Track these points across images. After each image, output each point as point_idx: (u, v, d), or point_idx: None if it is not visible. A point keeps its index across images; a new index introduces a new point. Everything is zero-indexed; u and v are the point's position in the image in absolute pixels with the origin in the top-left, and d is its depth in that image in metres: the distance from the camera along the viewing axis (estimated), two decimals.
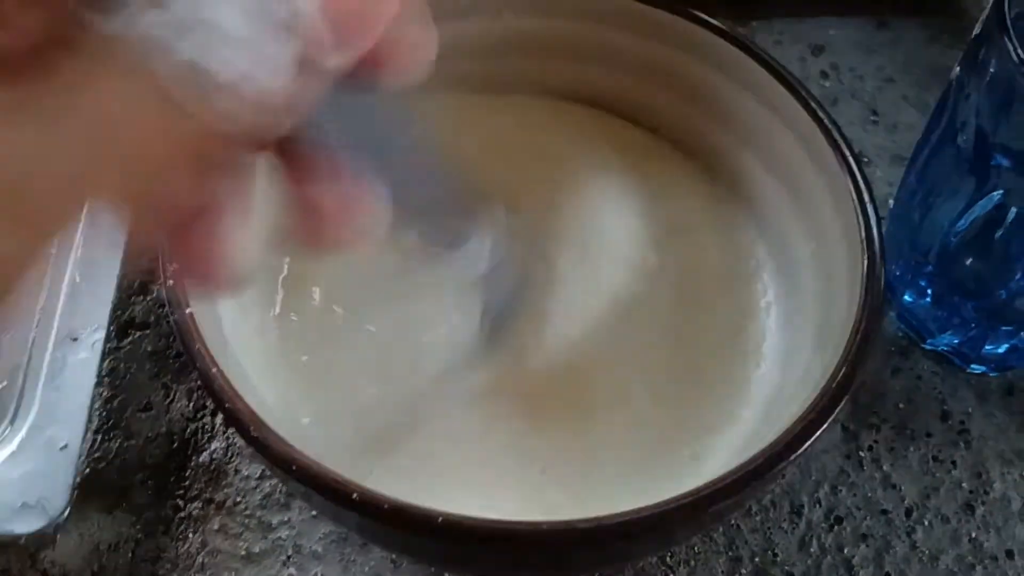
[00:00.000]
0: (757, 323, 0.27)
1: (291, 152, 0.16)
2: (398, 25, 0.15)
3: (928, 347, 0.34)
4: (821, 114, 0.26)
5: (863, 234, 0.23)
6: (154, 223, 0.15)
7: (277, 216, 0.17)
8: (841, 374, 0.22)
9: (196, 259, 0.16)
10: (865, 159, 0.38)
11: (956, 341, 0.33)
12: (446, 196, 0.21)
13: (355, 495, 0.20)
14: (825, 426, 0.21)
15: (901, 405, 0.33)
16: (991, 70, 0.25)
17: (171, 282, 0.23)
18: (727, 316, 0.27)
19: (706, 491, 0.20)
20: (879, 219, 0.24)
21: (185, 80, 0.12)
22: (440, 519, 0.20)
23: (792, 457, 0.21)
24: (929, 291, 0.33)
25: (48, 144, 0.12)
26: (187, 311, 0.22)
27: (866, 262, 0.23)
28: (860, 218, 0.24)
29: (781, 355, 0.26)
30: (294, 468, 0.20)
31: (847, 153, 0.26)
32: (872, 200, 0.24)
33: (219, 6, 0.12)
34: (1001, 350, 0.32)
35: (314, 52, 0.13)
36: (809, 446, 0.21)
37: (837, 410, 0.21)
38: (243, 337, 0.26)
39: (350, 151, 0.16)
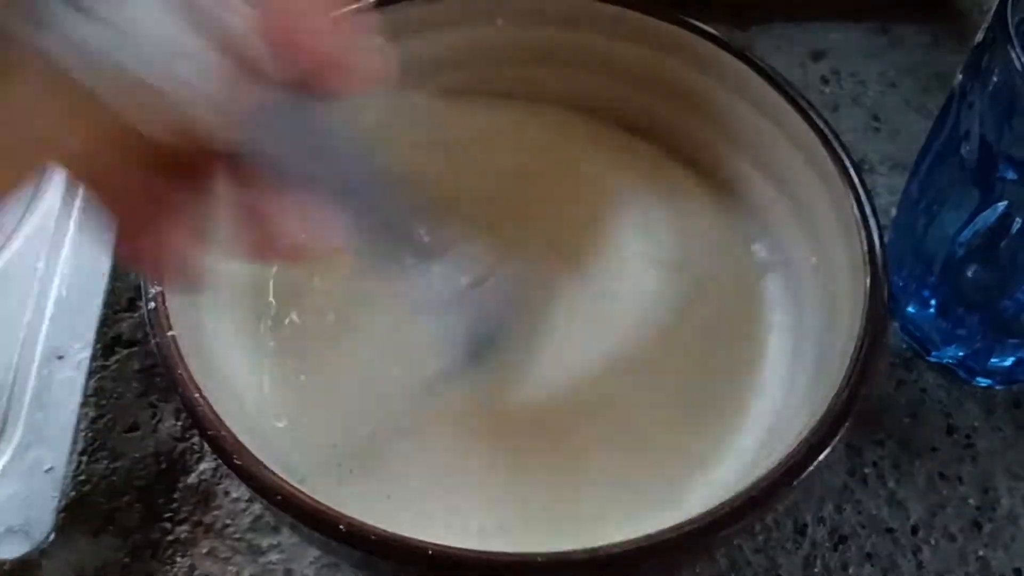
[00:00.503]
0: (761, 342, 0.27)
1: (237, 162, 0.16)
2: (340, 46, 0.15)
3: (933, 359, 0.33)
4: (822, 126, 0.26)
5: (866, 254, 0.23)
6: (107, 207, 0.16)
7: (229, 225, 0.17)
8: (844, 397, 0.21)
9: (152, 253, 0.17)
10: (867, 166, 0.37)
11: (961, 353, 0.32)
12: (402, 213, 0.20)
13: (341, 526, 0.19)
14: (827, 451, 0.20)
15: (906, 419, 0.32)
16: (994, 79, 0.25)
17: (152, 305, 0.22)
18: (730, 335, 0.27)
19: (709, 518, 0.19)
20: (882, 238, 0.23)
21: (106, 79, 0.13)
22: (430, 551, 0.19)
23: (795, 483, 0.20)
24: (933, 302, 0.32)
25: None
26: (169, 334, 0.22)
27: (869, 283, 0.23)
28: (863, 236, 0.23)
29: (784, 376, 0.26)
30: (279, 497, 0.20)
31: (849, 167, 0.25)
32: (876, 217, 0.24)
33: (145, 17, 0.13)
34: (1007, 363, 0.32)
35: (246, 65, 0.14)
36: (811, 471, 0.20)
37: (839, 435, 0.21)
38: (227, 346, 0.25)
39: (296, 163, 0.17)
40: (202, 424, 0.21)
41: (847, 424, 0.20)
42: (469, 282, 0.23)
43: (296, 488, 0.20)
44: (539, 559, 0.19)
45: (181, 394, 0.21)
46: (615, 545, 0.19)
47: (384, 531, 0.19)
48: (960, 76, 0.27)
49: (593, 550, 0.19)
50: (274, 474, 0.20)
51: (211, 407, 0.21)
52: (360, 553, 0.20)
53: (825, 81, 0.40)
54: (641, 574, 0.23)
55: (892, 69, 0.40)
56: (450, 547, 0.19)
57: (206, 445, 0.30)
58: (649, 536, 0.19)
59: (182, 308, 0.23)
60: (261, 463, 0.20)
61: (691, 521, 0.19)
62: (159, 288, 0.22)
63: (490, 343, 0.24)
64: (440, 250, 0.22)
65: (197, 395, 0.21)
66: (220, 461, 0.30)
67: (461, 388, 0.26)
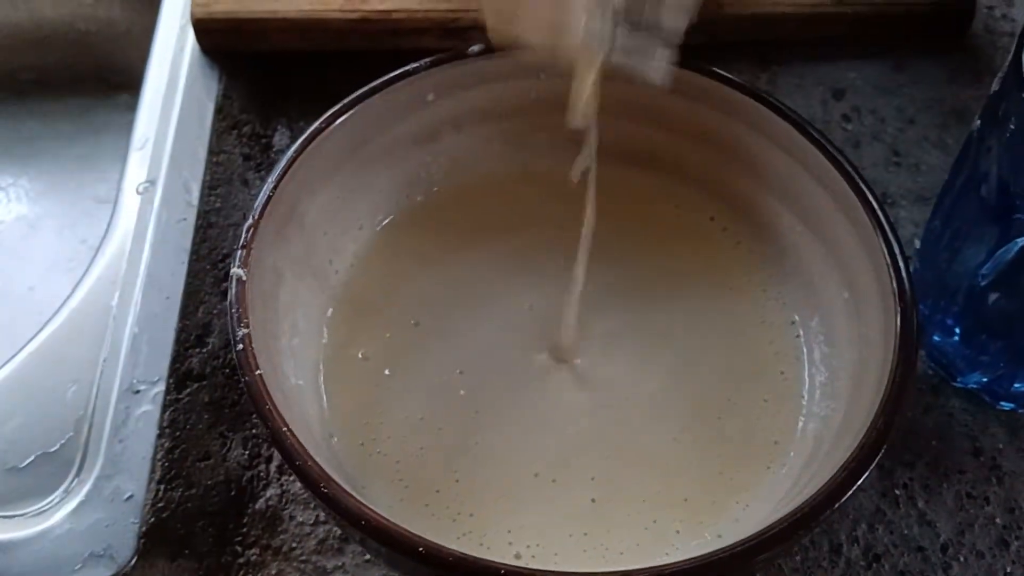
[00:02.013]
0: (796, 375, 0.28)
1: None
2: None
3: (958, 385, 0.34)
4: (848, 167, 0.28)
5: (895, 289, 0.25)
6: None
7: None
8: (880, 424, 0.23)
9: None
10: (889, 200, 0.39)
11: (985, 379, 0.34)
12: None
13: (421, 548, 0.21)
14: (867, 473, 0.22)
15: (934, 442, 0.34)
16: (1011, 126, 0.27)
17: (240, 347, 0.24)
18: (765, 370, 0.29)
19: (755, 540, 0.21)
20: (909, 271, 0.25)
21: None
22: (502, 571, 0.21)
23: (836, 506, 0.22)
24: (957, 330, 0.33)
25: None
26: (257, 373, 0.24)
27: (899, 315, 0.24)
28: (891, 271, 0.25)
29: (819, 407, 0.27)
30: (363, 523, 0.22)
31: (875, 203, 0.27)
32: (903, 252, 0.26)
33: None
34: None
35: None
36: (851, 495, 0.22)
37: (876, 459, 0.22)
38: (295, 378, 0.27)
39: None
40: (291, 455, 0.23)
41: (885, 447, 0.22)
42: None
43: (379, 514, 0.22)
44: None
45: (271, 428, 0.23)
46: (670, 564, 0.21)
47: (460, 552, 0.21)
48: (978, 121, 0.29)
49: (654, 568, 0.21)
50: (359, 501, 0.22)
51: (297, 439, 0.23)
52: (436, 574, 0.22)
53: (847, 119, 0.42)
54: None
55: (910, 105, 0.42)
56: (519, 567, 0.21)
57: (272, 471, 0.33)
58: (699, 556, 0.21)
59: (262, 350, 0.25)
60: (345, 490, 0.22)
61: (741, 542, 0.21)
62: (246, 331, 0.24)
63: None
64: None
65: (285, 429, 0.23)
66: (286, 486, 0.32)
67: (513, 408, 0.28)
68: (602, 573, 0.21)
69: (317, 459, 0.23)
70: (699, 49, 0.31)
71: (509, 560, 0.22)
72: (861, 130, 0.41)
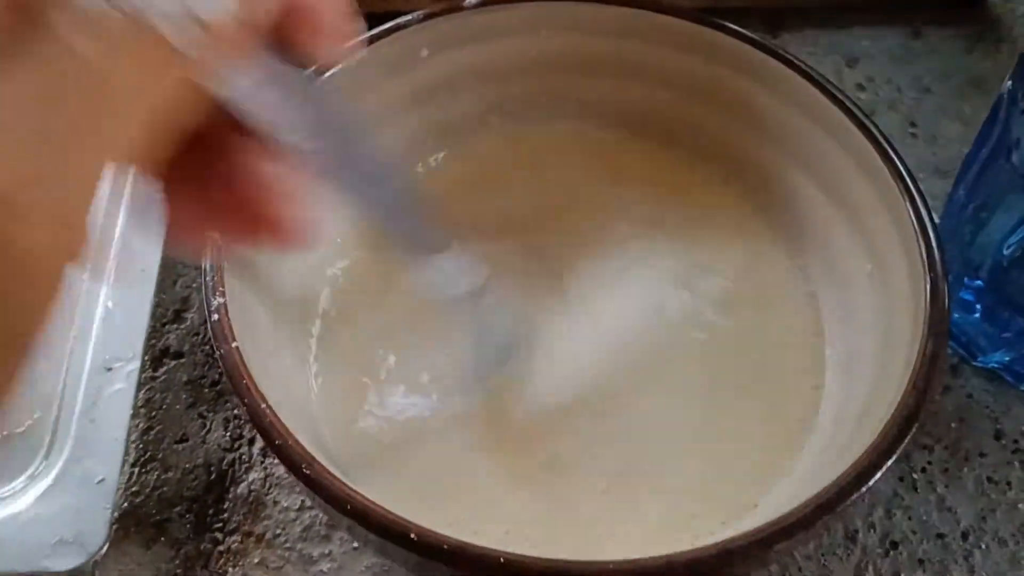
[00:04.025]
0: (815, 352, 0.26)
1: (241, 130, 0.17)
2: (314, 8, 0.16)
3: (979, 365, 0.33)
4: (872, 128, 0.26)
5: (925, 258, 0.23)
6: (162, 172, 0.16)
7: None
8: (911, 400, 0.21)
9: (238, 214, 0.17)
10: None
11: (1008, 358, 0.32)
12: (403, 201, 0.21)
13: (412, 535, 0.19)
14: (897, 453, 0.20)
15: (953, 425, 0.32)
16: None
17: (216, 317, 0.22)
18: (786, 349, 0.27)
19: (777, 525, 0.19)
20: (940, 239, 0.23)
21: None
22: (501, 559, 0.19)
23: (864, 488, 0.20)
24: (978, 307, 0.32)
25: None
26: (233, 345, 0.22)
27: (929, 286, 0.22)
28: (920, 240, 0.23)
29: (841, 387, 0.26)
30: (349, 508, 0.20)
31: (903, 170, 0.25)
32: (932, 220, 0.24)
33: None
34: None
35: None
36: (881, 475, 0.20)
37: (908, 436, 0.21)
38: (278, 357, 0.26)
39: (297, 133, 0.17)
40: (269, 434, 0.21)
41: (916, 425, 0.20)
42: (469, 285, 0.23)
43: (365, 498, 0.20)
44: (611, 566, 0.19)
45: (247, 404, 0.21)
46: (686, 552, 0.19)
47: (454, 539, 0.19)
48: (1009, 83, 0.27)
49: (667, 557, 0.19)
50: (343, 483, 0.20)
51: (277, 416, 0.21)
52: (427, 561, 0.20)
53: (861, 88, 0.40)
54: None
55: (926, 74, 0.40)
56: (520, 555, 0.19)
57: (255, 454, 0.31)
58: (720, 543, 0.19)
59: (241, 321, 0.23)
60: (331, 473, 0.20)
61: (771, 524, 0.19)
62: (222, 300, 0.22)
63: (504, 353, 0.25)
64: (436, 247, 0.22)
65: (264, 405, 0.21)
66: (270, 470, 0.30)
67: (502, 397, 0.26)
68: (611, 562, 0.19)
69: (300, 439, 0.21)
70: (711, 12, 0.29)
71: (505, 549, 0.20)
72: (876, 100, 0.40)
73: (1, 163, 0.13)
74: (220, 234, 0.18)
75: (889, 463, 0.20)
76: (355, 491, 0.20)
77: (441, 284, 0.23)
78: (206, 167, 0.17)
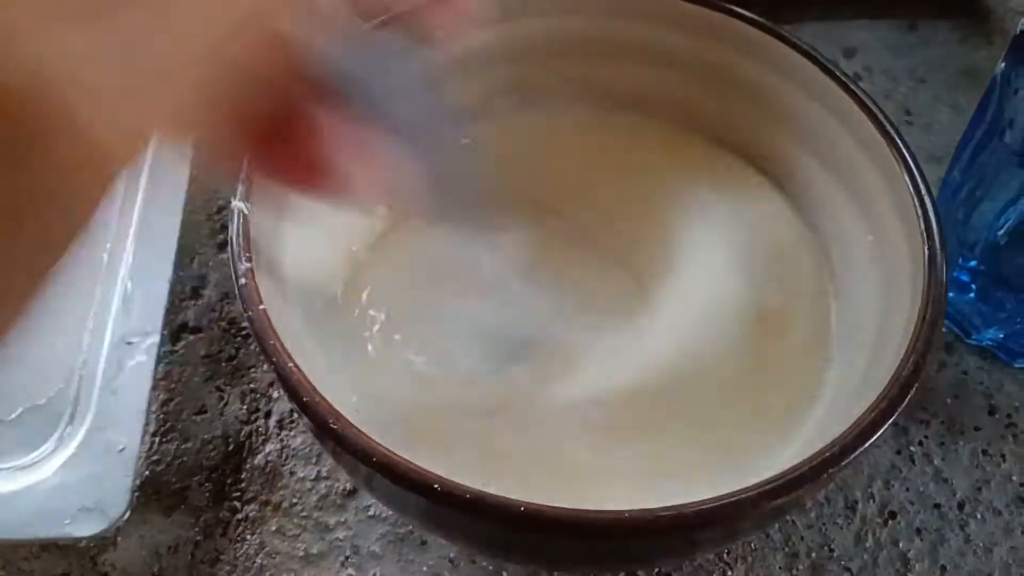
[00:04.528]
0: (820, 320, 0.27)
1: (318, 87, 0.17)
2: None
3: (973, 342, 0.34)
4: (871, 106, 0.27)
5: (923, 230, 0.24)
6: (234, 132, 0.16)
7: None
8: (910, 364, 0.22)
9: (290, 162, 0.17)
10: None
11: (1001, 335, 0.33)
12: (459, 172, 0.21)
13: (436, 485, 0.20)
14: (894, 417, 0.21)
15: (948, 400, 0.33)
16: None
17: (244, 281, 0.23)
18: (791, 320, 0.28)
19: (786, 477, 0.20)
20: (938, 212, 0.24)
21: None
22: (521, 507, 0.20)
23: (863, 447, 0.21)
24: (973, 286, 0.33)
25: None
26: (261, 308, 0.23)
27: (927, 256, 0.23)
28: (919, 212, 0.24)
29: (844, 354, 0.26)
30: (374, 460, 0.21)
31: (898, 141, 0.26)
32: (930, 193, 0.25)
33: None
34: None
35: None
36: (879, 437, 0.21)
37: (907, 400, 0.22)
38: (302, 325, 0.26)
39: (378, 100, 0.18)
40: (297, 392, 0.21)
41: (916, 387, 0.21)
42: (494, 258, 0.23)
43: (390, 451, 0.21)
44: (626, 515, 0.20)
45: (276, 363, 0.22)
46: (695, 503, 0.20)
47: (477, 490, 0.20)
48: (1002, 64, 0.28)
49: (676, 507, 0.20)
50: (368, 437, 0.21)
51: (304, 374, 0.22)
52: (450, 511, 0.21)
53: (858, 77, 0.41)
54: (710, 535, 0.23)
55: (922, 65, 0.42)
56: (539, 504, 0.20)
57: (272, 426, 0.32)
58: (725, 495, 0.20)
59: (267, 286, 0.24)
60: (355, 426, 0.21)
61: (779, 475, 0.20)
62: (249, 265, 0.23)
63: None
64: (480, 218, 0.22)
65: (291, 364, 0.22)
66: (286, 442, 0.31)
67: (527, 374, 0.27)
68: (627, 511, 0.20)
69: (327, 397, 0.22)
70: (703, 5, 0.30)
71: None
72: (873, 89, 0.40)
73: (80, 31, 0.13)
74: (287, 184, 0.18)
75: (891, 420, 0.21)
76: (380, 444, 0.21)
77: (473, 254, 0.23)
78: (283, 121, 0.17)
